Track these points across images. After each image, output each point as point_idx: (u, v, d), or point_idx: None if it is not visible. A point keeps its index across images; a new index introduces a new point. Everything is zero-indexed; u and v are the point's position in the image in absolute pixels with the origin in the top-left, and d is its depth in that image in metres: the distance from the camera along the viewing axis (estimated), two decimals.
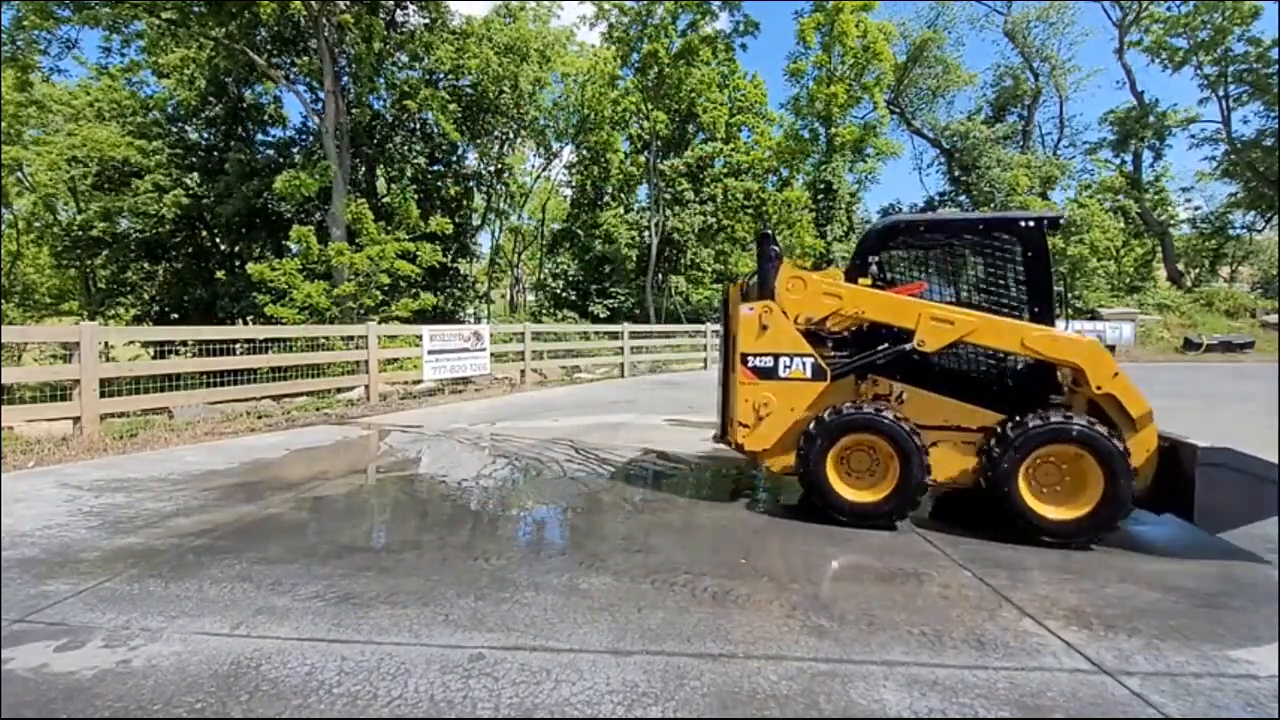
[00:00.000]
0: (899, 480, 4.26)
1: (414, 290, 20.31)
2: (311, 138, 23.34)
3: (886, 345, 4.51)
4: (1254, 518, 3.86)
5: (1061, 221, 4.56)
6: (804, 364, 4.55)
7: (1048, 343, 4.17)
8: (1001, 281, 4.59)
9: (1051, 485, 4.11)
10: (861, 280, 4.62)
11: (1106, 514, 3.94)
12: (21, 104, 21.87)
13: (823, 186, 26.46)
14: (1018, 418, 4.12)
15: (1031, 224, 4.45)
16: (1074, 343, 4.21)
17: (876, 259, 4.71)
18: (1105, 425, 4.02)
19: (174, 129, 23.99)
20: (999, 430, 4.17)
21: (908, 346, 4.35)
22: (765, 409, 4.57)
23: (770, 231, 4.81)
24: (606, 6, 30.50)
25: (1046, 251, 4.45)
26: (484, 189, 30.00)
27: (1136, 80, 33.49)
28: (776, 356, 4.57)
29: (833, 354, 4.72)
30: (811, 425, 4.38)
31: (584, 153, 31.78)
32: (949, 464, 4.42)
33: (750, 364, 4.62)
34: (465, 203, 27.88)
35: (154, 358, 12.58)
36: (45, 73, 22.11)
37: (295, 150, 23.71)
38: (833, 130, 26.66)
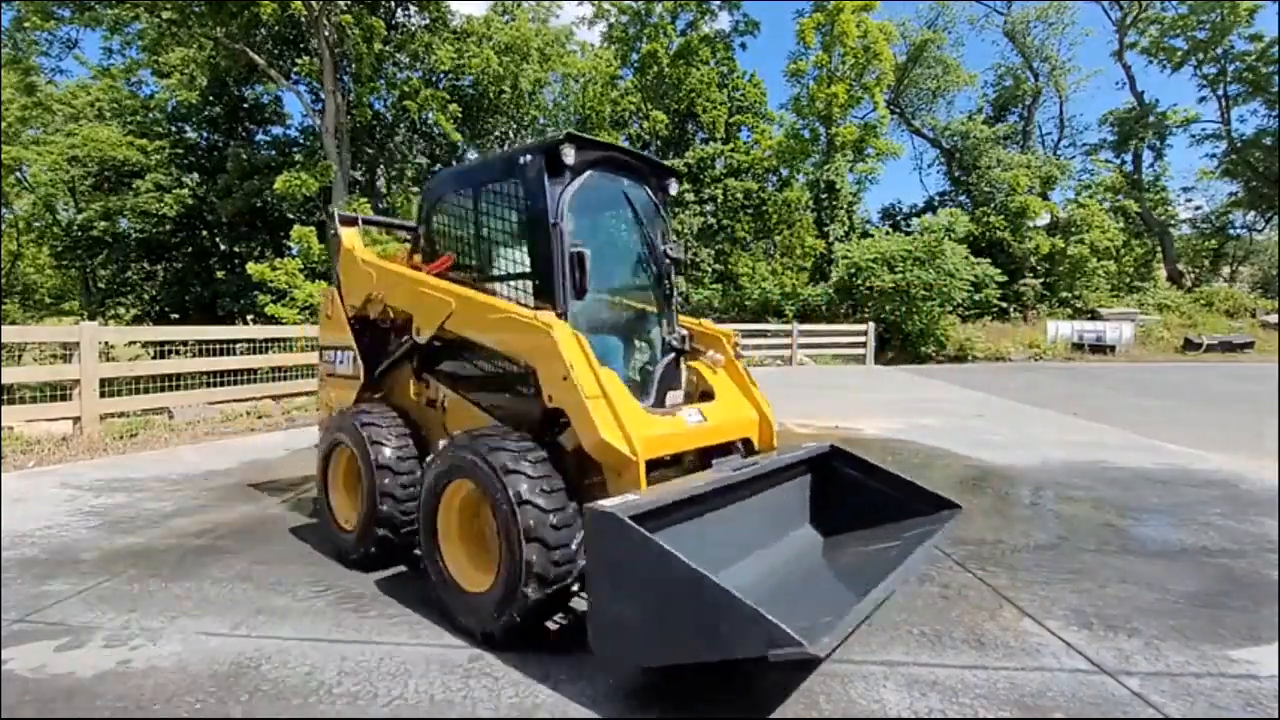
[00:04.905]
0: (365, 495, 3.41)
1: None
2: (312, 138, 23.35)
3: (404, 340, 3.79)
4: (667, 656, 2.20)
5: (563, 150, 3.09)
6: (348, 359, 4.04)
7: (499, 327, 3.01)
8: (514, 243, 3.41)
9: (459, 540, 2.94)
10: (415, 257, 3.91)
11: (499, 593, 2.60)
12: (26, 106, 21.91)
13: (824, 186, 26.43)
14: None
15: (526, 158, 3.19)
16: (523, 327, 2.91)
17: (425, 227, 3.84)
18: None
19: (174, 129, 24.00)
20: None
21: (407, 340, 3.65)
22: (330, 409, 4.17)
23: (335, 209, 3.90)
24: (606, 6, 30.53)
25: (540, 194, 3.12)
26: None
27: (1136, 80, 33.57)
28: (336, 350, 4.15)
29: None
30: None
31: None
32: None
33: (324, 357, 4.24)
34: None
35: (154, 357, 12.55)
36: (48, 75, 22.19)
37: (296, 150, 23.71)
38: (833, 130, 26.63)
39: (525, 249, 3.29)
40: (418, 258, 3.87)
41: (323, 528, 3.89)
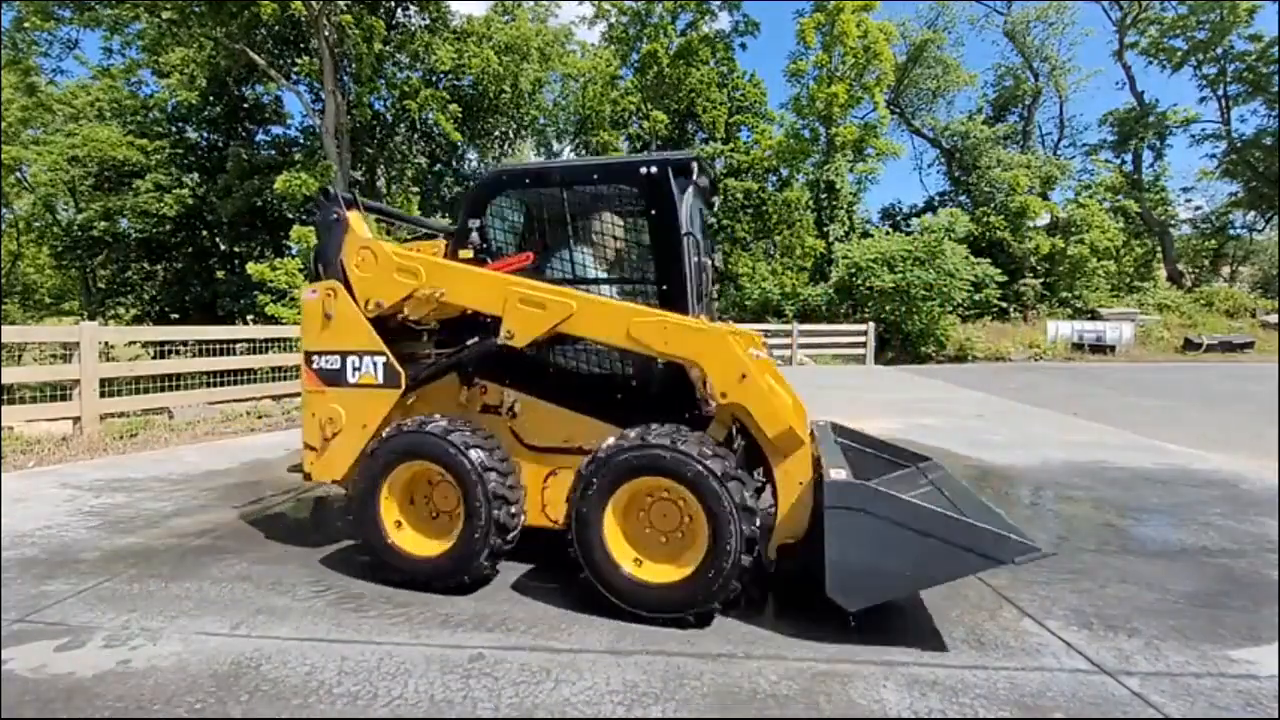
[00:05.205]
0: (461, 529, 3.19)
1: None
2: (312, 138, 23.35)
3: (476, 340, 3.51)
4: (910, 586, 2.87)
5: (693, 166, 3.37)
6: (375, 365, 3.53)
7: (660, 332, 3.06)
8: (624, 249, 3.64)
9: (658, 536, 3.07)
10: (463, 253, 3.63)
11: (705, 581, 2.82)
12: (29, 107, 21.92)
13: (824, 186, 26.44)
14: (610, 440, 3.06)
15: (653, 170, 3.34)
16: (694, 333, 3.05)
17: (479, 222, 3.65)
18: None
19: (174, 128, 24.01)
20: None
21: (493, 341, 3.37)
22: (333, 426, 3.55)
23: (330, 188, 3.73)
24: (606, 6, 30.54)
25: (674, 207, 3.33)
26: None
27: (1136, 80, 33.56)
28: (344, 355, 3.57)
29: (426, 352, 3.82)
30: (369, 448, 3.39)
31: (584, 153, 31.78)
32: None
33: (314, 365, 3.63)
34: None
35: (154, 357, 12.56)
36: (48, 75, 22.20)
37: (296, 150, 23.72)
38: (833, 130, 26.65)
39: (637, 254, 3.57)
40: (466, 253, 3.61)
41: (376, 564, 3.38)
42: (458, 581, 3.21)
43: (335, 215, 3.68)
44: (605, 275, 3.61)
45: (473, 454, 3.11)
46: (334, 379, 3.59)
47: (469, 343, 3.50)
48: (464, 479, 3.12)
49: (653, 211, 3.37)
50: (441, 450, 3.15)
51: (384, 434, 3.35)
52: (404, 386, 3.48)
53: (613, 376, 3.51)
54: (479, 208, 3.67)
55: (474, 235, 3.62)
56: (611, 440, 3.02)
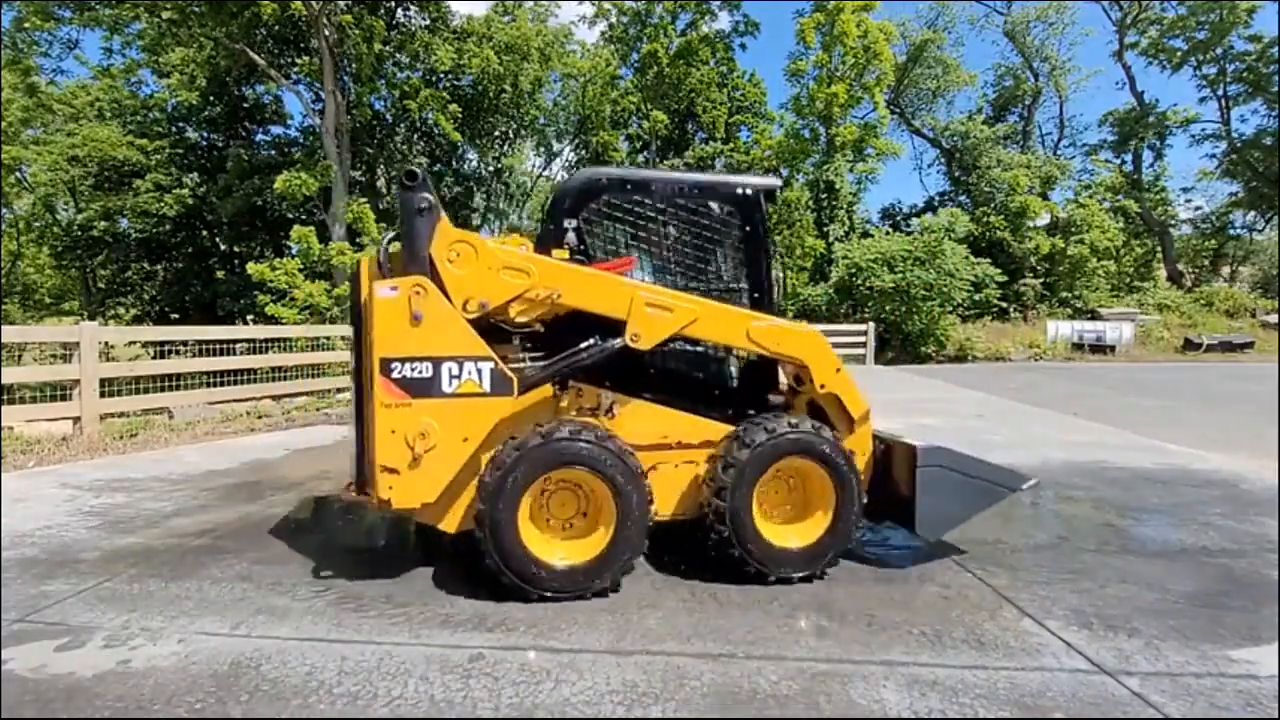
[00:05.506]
0: (613, 535, 3.21)
1: None
2: (312, 137, 23.35)
3: (593, 341, 3.45)
4: (965, 517, 3.70)
5: (778, 194, 3.88)
6: (479, 371, 3.19)
7: (775, 335, 3.55)
8: (717, 260, 3.91)
9: (780, 507, 3.58)
10: (556, 252, 3.55)
11: (842, 534, 3.44)
12: (29, 107, 21.92)
13: (824, 186, 26.42)
14: (740, 430, 3.45)
15: (749, 191, 3.79)
16: (800, 335, 3.65)
17: (575, 224, 3.63)
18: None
19: (174, 128, 23.97)
20: (733, 442, 3.40)
21: (618, 342, 3.37)
22: (425, 443, 3.12)
23: (418, 169, 3.34)
24: (606, 6, 30.54)
25: (765, 225, 3.82)
26: (484, 189, 30.02)
27: (1136, 80, 33.53)
28: (438, 361, 3.16)
29: (519, 355, 3.54)
30: (505, 456, 3.14)
31: (584, 153, 31.79)
32: (669, 493, 3.57)
33: (395, 374, 3.12)
34: (465, 202, 27.91)
35: (154, 357, 12.56)
36: (48, 75, 22.20)
37: (296, 150, 23.70)
38: (833, 130, 26.63)
39: (731, 265, 3.91)
40: (560, 253, 3.56)
41: (513, 584, 3.13)
42: (605, 585, 3.23)
43: (426, 202, 3.26)
44: (700, 283, 3.84)
45: (630, 460, 3.23)
46: (423, 389, 3.14)
47: (583, 345, 3.42)
48: (619, 485, 3.18)
49: (747, 228, 3.81)
50: (595, 458, 3.16)
51: (526, 444, 3.14)
52: (516, 394, 3.25)
53: (703, 373, 3.89)
54: (575, 209, 3.66)
55: (570, 236, 3.59)
56: (762, 431, 3.39)
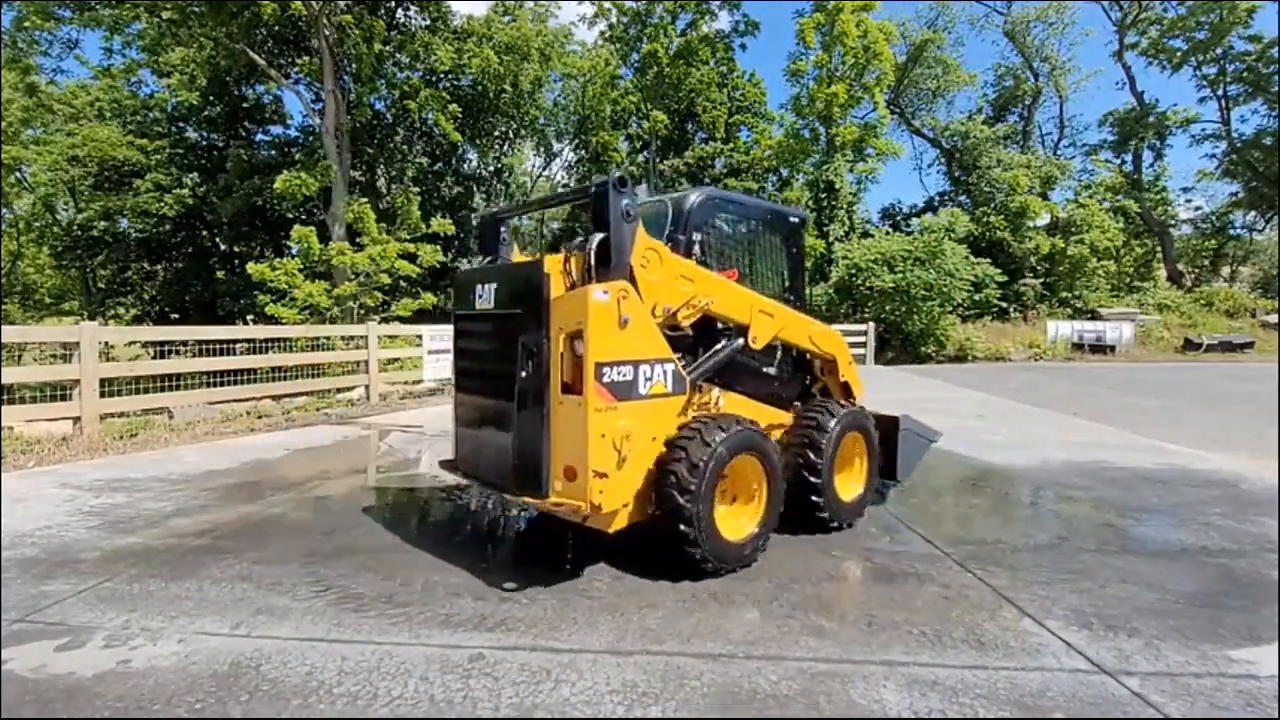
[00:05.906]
0: (766, 506, 3.67)
1: (415, 290, 20.38)
2: (312, 137, 23.34)
3: (724, 343, 3.94)
4: (915, 462, 5.15)
5: (809, 218, 5.06)
6: (665, 373, 3.43)
7: (825, 337, 4.55)
8: (777, 272, 4.67)
9: (841, 470, 4.43)
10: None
11: (870, 484, 4.53)
12: (29, 107, 21.91)
13: (824, 186, 26.41)
14: (814, 410, 4.30)
15: (796, 220, 4.72)
16: (833, 335, 4.66)
17: (700, 237, 3.90)
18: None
19: (174, 128, 23.96)
20: (815, 419, 4.18)
21: (739, 343, 3.88)
22: (629, 445, 3.22)
23: (629, 174, 3.44)
24: (606, 6, 30.55)
25: (804, 246, 4.81)
26: (484, 189, 30.03)
27: (1136, 80, 33.56)
28: (636, 365, 3.27)
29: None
30: (702, 451, 3.30)
31: (584, 153, 31.80)
32: None
33: (605, 379, 3.16)
34: (465, 203, 27.91)
35: (154, 357, 12.55)
36: (48, 75, 22.17)
37: (296, 150, 23.69)
38: (833, 130, 26.63)
39: (783, 277, 4.64)
40: (690, 262, 3.82)
41: (693, 562, 3.34)
42: (754, 558, 3.62)
43: (633, 208, 3.29)
44: (767, 292, 4.36)
45: (771, 442, 3.79)
46: (626, 392, 3.25)
47: (719, 346, 3.91)
48: (774, 467, 3.70)
49: (794, 250, 4.68)
50: (763, 443, 3.67)
51: (727, 433, 3.40)
52: (688, 392, 3.60)
53: (770, 368, 4.43)
54: (702, 221, 3.99)
55: (696, 248, 3.87)
56: (846, 414, 4.30)
